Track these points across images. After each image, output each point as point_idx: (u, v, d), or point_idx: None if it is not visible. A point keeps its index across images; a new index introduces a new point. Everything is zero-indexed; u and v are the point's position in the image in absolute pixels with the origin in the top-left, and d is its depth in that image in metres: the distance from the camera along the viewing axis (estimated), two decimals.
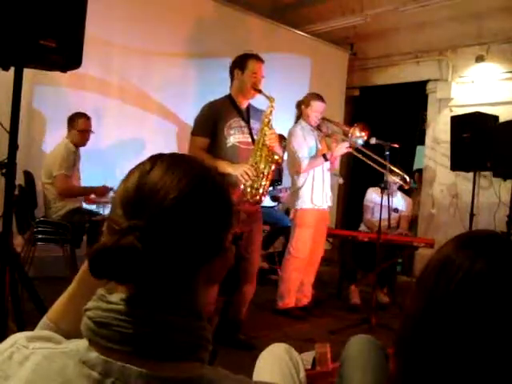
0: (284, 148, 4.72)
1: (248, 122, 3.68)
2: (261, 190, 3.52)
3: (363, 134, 4.32)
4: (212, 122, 3.57)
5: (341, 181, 6.07)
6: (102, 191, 4.62)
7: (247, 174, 3.43)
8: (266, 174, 3.53)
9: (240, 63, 3.69)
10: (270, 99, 3.60)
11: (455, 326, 0.73)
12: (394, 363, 0.84)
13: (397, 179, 4.63)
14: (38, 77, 4.31)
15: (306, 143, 4.48)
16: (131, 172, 0.85)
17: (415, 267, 6.67)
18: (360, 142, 4.33)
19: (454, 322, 0.74)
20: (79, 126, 4.52)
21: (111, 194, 4.58)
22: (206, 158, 3.50)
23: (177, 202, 0.79)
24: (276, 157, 3.55)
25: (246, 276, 3.69)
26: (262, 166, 3.52)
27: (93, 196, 4.78)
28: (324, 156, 4.45)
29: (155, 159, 0.86)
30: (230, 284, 3.63)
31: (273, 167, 3.57)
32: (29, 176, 4.37)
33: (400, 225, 5.30)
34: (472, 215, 5.33)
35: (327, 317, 4.58)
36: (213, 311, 3.49)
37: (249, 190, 3.47)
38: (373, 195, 5.59)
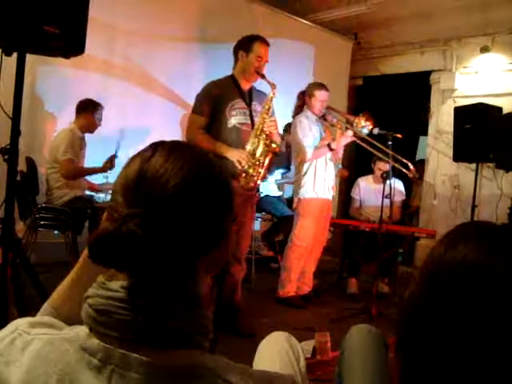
0: (282, 137, 4.71)
1: (249, 105, 3.65)
2: (255, 178, 3.50)
3: (368, 123, 4.31)
4: (213, 101, 3.54)
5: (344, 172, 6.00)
6: (105, 167, 4.64)
7: (244, 160, 3.42)
8: (262, 161, 3.51)
9: (245, 45, 3.65)
10: (272, 86, 3.57)
11: (495, 325, 0.72)
12: (395, 356, 0.84)
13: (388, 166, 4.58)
14: (41, 59, 4.31)
15: (311, 132, 4.47)
16: (132, 159, 0.85)
17: (416, 257, 6.68)
18: (365, 131, 4.33)
19: (494, 322, 0.72)
20: (89, 112, 4.54)
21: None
22: (204, 138, 3.50)
23: (178, 189, 0.79)
24: (274, 145, 3.53)
25: (233, 260, 3.67)
26: (258, 153, 3.50)
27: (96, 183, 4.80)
28: (328, 145, 4.45)
29: (156, 146, 0.86)
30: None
31: (270, 156, 3.55)
32: (31, 162, 4.37)
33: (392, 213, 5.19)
34: (474, 207, 5.32)
35: (328, 306, 4.59)
36: (210, 299, 3.50)
37: (243, 175, 3.46)
38: (362, 185, 5.59)
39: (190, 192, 0.80)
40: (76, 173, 4.52)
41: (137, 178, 0.81)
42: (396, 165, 4.44)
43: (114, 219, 0.78)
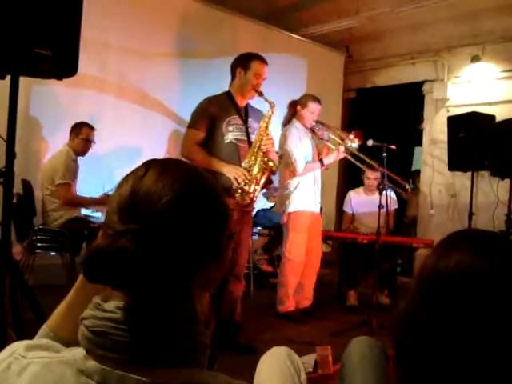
0: (280, 156, 4.71)
1: (246, 122, 3.65)
2: (251, 195, 3.50)
3: (356, 139, 4.31)
4: (210, 117, 3.54)
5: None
6: (105, 201, 4.56)
7: (240, 177, 3.42)
8: (258, 179, 3.51)
9: (244, 62, 3.64)
10: (271, 104, 3.58)
11: (490, 329, 0.72)
12: (394, 367, 0.84)
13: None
14: (36, 80, 4.33)
15: (301, 145, 4.46)
16: (125, 178, 0.86)
17: (415, 268, 6.66)
18: (354, 146, 4.32)
19: (488, 327, 0.72)
20: (83, 134, 4.55)
21: None
22: (200, 153, 3.49)
23: (170, 205, 0.80)
24: (271, 163, 3.52)
25: (232, 276, 3.65)
26: (255, 170, 3.49)
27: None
28: (321, 161, 4.45)
29: (148, 164, 0.87)
30: (218, 286, 3.58)
31: (266, 174, 3.55)
32: (27, 184, 4.37)
33: (388, 223, 5.13)
34: (471, 215, 5.34)
35: (328, 319, 4.56)
36: (209, 315, 3.48)
37: (239, 192, 3.45)
38: (354, 198, 5.60)
39: (183, 208, 0.81)
40: (73, 201, 4.52)
41: (130, 196, 0.81)
42: (390, 176, 4.44)
43: (108, 236, 0.78)
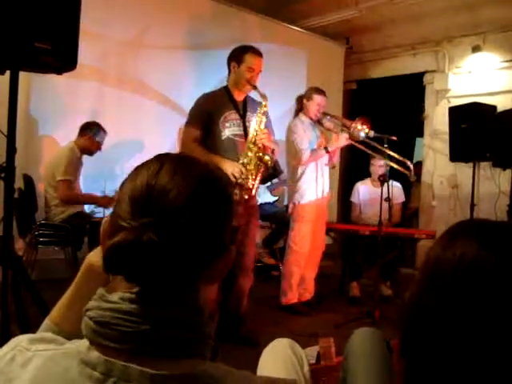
0: (273, 152, 4.69)
1: (243, 116, 3.65)
2: (249, 190, 3.51)
3: (365, 127, 4.32)
4: (207, 113, 3.55)
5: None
6: (105, 202, 4.52)
7: (237, 173, 3.43)
8: (255, 174, 3.52)
9: (237, 56, 3.63)
10: (264, 98, 3.57)
11: (498, 325, 0.72)
12: (398, 359, 0.84)
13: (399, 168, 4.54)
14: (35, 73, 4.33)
15: (305, 136, 4.46)
16: (138, 171, 0.86)
17: (417, 259, 6.67)
18: (362, 134, 4.34)
19: (494, 322, 0.72)
20: (100, 138, 4.59)
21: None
22: (198, 150, 3.49)
23: (188, 202, 0.81)
24: (267, 157, 3.53)
25: (241, 270, 3.67)
26: (251, 166, 3.50)
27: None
28: (326, 149, 4.45)
29: (163, 160, 0.87)
30: (226, 279, 3.60)
31: (262, 169, 3.55)
32: (28, 179, 4.37)
33: (392, 216, 5.07)
34: (472, 205, 5.33)
35: (330, 311, 4.57)
36: (214, 308, 3.49)
37: (237, 187, 3.45)
38: (361, 189, 5.61)
39: (200, 203, 0.83)
40: (71, 199, 4.51)
41: (146, 190, 0.82)
42: (395, 165, 4.41)
43: (120, 228, 0.79)
